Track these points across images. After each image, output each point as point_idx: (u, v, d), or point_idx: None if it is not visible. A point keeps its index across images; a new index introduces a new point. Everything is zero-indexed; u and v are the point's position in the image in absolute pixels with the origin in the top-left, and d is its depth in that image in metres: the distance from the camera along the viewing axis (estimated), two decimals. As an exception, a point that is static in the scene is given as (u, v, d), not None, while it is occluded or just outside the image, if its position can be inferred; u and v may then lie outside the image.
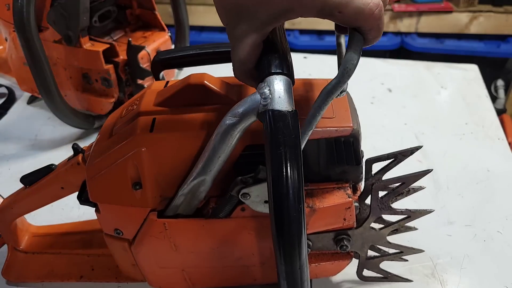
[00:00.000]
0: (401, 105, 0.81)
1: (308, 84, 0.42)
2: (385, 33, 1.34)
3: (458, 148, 0.70)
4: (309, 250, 0.43)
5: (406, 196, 0.42)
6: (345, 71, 0.29)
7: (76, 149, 0.44)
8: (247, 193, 0.35)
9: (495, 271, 0.52)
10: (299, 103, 0.38)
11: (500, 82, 1.38)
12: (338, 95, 0.31)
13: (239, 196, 0.36)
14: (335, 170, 0.39)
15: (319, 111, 0.31)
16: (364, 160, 0.40)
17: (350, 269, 0.46)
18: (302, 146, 0.33)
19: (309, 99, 0.40)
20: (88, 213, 0.58)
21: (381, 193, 0.41)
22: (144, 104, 0.39)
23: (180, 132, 0.37)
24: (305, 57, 0.95)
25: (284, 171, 0.27)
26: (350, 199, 0.39)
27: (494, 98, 1.36)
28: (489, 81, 1.30)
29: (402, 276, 0.48)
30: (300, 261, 0.28)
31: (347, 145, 0.38)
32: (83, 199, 0.41)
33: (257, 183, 0.35)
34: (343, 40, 0.39)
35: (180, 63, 0.48)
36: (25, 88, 0.79)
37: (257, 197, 0.36)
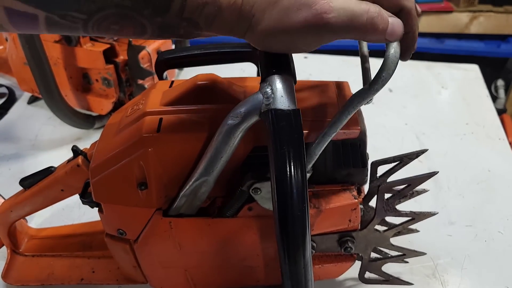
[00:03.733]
0: (402, 105, 0.81)
1: (309, 85, 0.42)
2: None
3: (458, 148, 0.70)
4: (313, 251, 0.43)
5: (410, 198, 0.42)
6: (380, 79, 0.29)
7: (76, 151, 0.43)
8: (258, 188, 0.35)
9: (496, 271, 0.52)
10: (300, 104, 0.38)
11: (500, 82, 1.38)
12: (367, 102, 0.31)
13: (250, 191, 0.36)
14: (341, 172, 0.39)
15: (346, 115, 0.31)
16: (369, 162, 0.40)
17: (351, 271, 0.46)
18: (322, 148, 0.33)
19: (310, 100, 0.40)
20: (88, 214, 0.58)
21: (386, 195, 0.41)
22: (150, 104, 0.39)
23: (188, 133, 0.36)
24: (305, 57, 0.95)
25: (288, 170, 0.27)
26: (356, 200, 0.39)
27: (494, 98, 1.36)
28: (489, 81, 1.30)
29: (403, 277, 0.48)
30: (304, 261, 0.28)
31: (354, 148, 0.38)
32: (86, 199, 0.41)
33: (269, 179, 0.35)
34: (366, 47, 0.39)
35: (184, 63, 0.47)
36: (25, 88, 0.79)
37: (267, 193, 0.36)
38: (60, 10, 0.26)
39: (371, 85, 0.30)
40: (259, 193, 0.36)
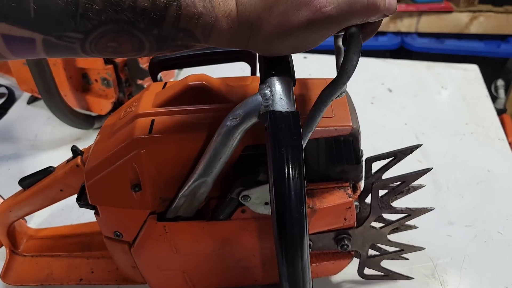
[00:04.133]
0: (401, 105, 0.81)
1: (308, 84, 0.42)
2: (385, 33, 1.34)
3: (458, 148, 0.70)
4: (310, 250, 0.43)
5: (406, 194, 0.42)
6: (344, 72, 0.30)
7: (75, 151, 0.43)
8: (247, 195, 0.35)
9: (496, 271, 0.52)
10: (300, 104, 0.38)
11: (500, 82, 1.38)
12: (338, 96, 0.31)
13: (239, 199, 0.36)
14: (335, 169, 0.39)
15: (319, 112, 0.31)
16: (363, 159, 0.40)
17: (350, 268, 0.46)
18: (303, 147, 0.33)
19: (310, 99, 0.40)
20: (88, 214, 0.58)
21: (381, 192, 0.41)
22: (143, 106, 0.39)
23: (179, 134, 0.37)
24: (305, 57, 0.95)
25: (286, 172, 0.27)
26: (351, 198, 0.39)
27: (494, 98, 1.36)
28: (489, 81, 1.30)
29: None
30: (302, 262, 0.28)
31: (346, 144, 0.38)
32: (82, 202, 0.41)
33: (257, 185, 0.35)
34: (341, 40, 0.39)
35: (178, 64, 0.47)
36: (25, 88, 0.79)
37: (257, 199, 0.36)
38: (56, 31, 0.25)
39: (337, 79, 0.30)
40: (248, 200, 0.36)
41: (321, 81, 0.42)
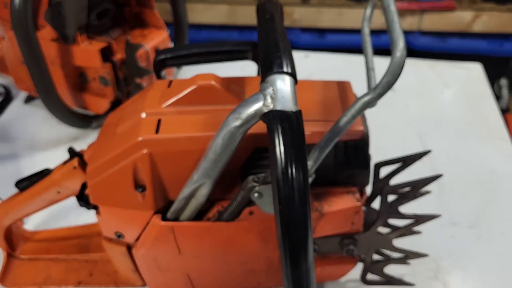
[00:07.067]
0: (404, 105, 0.80)
1: (310, 84, 0.41)
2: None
3: (461, 148, 0.70)
4: (316, 254, 0.43)
5: (412, 200, 0.41)
6: (387, 83, 0.29)
7: (72, 153, 0.43)
8: (260, 192, 0.34)
9: (499, 272, 0.51)
10: (302, 104, 0.38)
11: (503, 81, 1.37)
12: (372, 105, 0.31)
13: (252, 195, 0.35)
14: (344, 173, 0.38)
15: (350, 119, 0.31)
16: (372, 163, 0.40)
17: (352, 272, 0.45)
18: (326, 152, 0.32)
19: (312, 100, 0.39)
20: (85, 215, 0.57)
21: (390, 198, 0.41)
22: (148, 104, 0.38)
23: (187, 134, 0.36)
24: (306, 56, 0.94)
25: (290, 172, 0.26)
26: (359, 203, 0.38)
27: (497, 97, 1.36)
28: (492, 80, 1.30)
29: (405, 279, 0.48)
30: (306, 264, 0.27)
31: (356, 149, 0.38)
32: (83, 202, 0.41)
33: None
34: (369, 37, 0.39)
35: (183, 61, 0.47)
36: (22, 87, 0.78)
37: (269, 197, 0.35)
38: None
39: (376, 90, 0.29)
40: (260, 197, 0.35)
41: (329, 83, 0.41)
